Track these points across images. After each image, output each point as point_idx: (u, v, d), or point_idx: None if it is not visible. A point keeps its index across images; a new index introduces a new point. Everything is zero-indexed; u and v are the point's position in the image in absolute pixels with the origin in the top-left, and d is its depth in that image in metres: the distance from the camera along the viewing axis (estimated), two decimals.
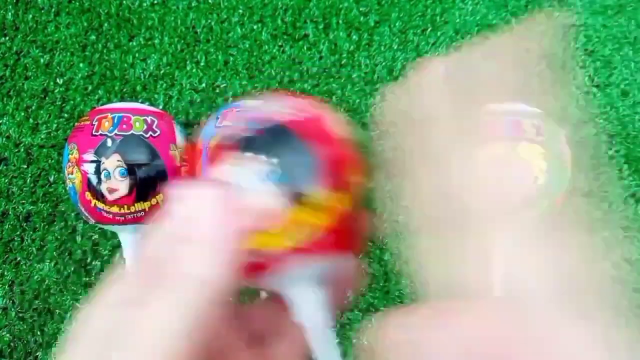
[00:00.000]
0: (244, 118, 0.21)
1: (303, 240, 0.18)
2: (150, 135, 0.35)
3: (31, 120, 0.43)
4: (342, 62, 0.44)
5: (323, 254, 0.19)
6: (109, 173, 0.34)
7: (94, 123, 0.35)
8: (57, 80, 0.43)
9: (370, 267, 0.39)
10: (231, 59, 0.44)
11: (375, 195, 0.41)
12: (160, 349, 0.15)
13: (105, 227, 0.37)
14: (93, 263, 0.40)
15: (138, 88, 0.43)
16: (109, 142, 0.34)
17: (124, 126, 0.34)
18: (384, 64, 0.44)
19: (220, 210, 0.17)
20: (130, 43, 0.44)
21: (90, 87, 0.43)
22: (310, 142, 0.20)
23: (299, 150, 0.19)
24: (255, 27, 0.45)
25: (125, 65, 0.44)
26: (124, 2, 0.45)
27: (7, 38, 0.44)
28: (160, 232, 0.19)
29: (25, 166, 0.42)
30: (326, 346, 0.20)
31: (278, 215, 0.18)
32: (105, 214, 0.35)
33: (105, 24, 0.44)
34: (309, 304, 0.20)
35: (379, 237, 0.40)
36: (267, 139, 0.20)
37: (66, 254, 0.40)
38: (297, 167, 0.19)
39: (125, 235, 0.37)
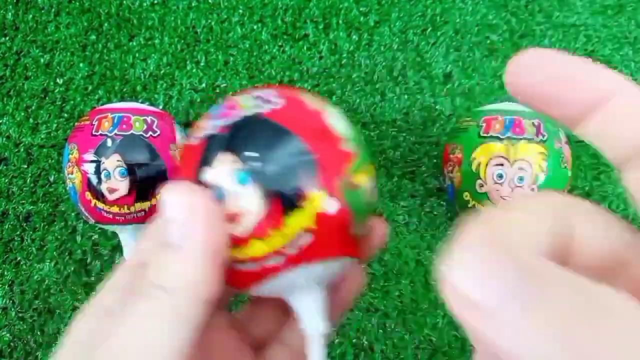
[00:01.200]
0: (212, 116, 0.18)
1: (293, 246, 0.17)
2: (150, 135, 0.35)
3: (31, 120, 0.43)
4: (342, 62, 0.44)
5: (315, 260, 0.17)
6: (109, 173, 0.34)
7: (94, 123, 0.35)
8: (57, 80, 0.43)
9: (370, 267, 0.39)
10: (231, 59, 0.44)
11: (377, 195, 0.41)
12: None
13: (105, 227, 0.37)
14: (93, 263, 0.40)
15: (138, 88, 0.43)
16: (109, 142, 0.34)
17: (124, 126, 0.34)
18: (384, 64, 0.44)
19: (207, 218, 0.16)
20: (130, 43, 0.44)
21: (90, 87, 0.43)
22: (294, 133, 0.17)
23: (280, 144, 0.16)
24: (255, 27, 0.45)
25: (125, 65, 0.44)
26: (124, 2, 0.45)
27: (7, 38, 0.44)
28: (146, 238, 0.18)
29: (25, 166, 0.42)
30: (319, 353, 0.19)
31: (263, 220, 0.16)
32: (105, 214, 0.35)
33: (105, 24, 0.44)
34: (307, 310, 0.18)
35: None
36: (239, 135, 0.17)
37: (66, 254, 0.40)
38: (279, 164, 0.16)
39: (125, 235, 0.37)
